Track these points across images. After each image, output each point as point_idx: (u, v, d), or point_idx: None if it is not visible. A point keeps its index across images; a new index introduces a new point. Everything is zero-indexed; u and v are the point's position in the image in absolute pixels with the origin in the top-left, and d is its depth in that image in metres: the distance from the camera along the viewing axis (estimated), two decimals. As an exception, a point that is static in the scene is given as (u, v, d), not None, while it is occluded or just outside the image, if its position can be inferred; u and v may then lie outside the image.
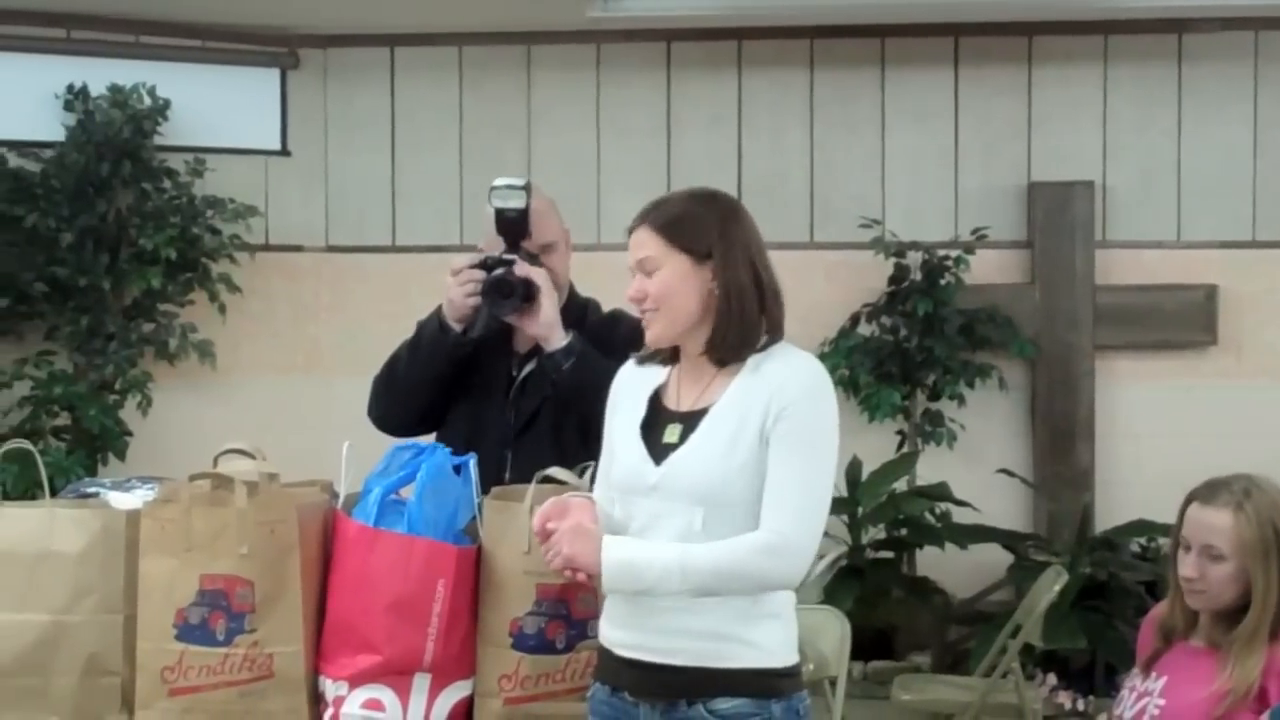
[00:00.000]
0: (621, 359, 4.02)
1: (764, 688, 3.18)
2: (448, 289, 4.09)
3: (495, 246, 4.10)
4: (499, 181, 4.06)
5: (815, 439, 3.18)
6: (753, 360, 3.24)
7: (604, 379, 3.94)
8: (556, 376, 4.02)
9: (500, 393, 4.17)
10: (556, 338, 4.03)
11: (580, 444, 4.02)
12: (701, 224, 3.26)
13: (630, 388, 3.43)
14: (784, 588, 3.19)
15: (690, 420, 3.27)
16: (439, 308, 4.14)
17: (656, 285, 3.28)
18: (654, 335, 3.34)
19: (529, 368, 4.16)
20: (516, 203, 4.03)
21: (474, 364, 4.17)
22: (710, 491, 3.17)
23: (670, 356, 3.39)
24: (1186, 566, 3.70)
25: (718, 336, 3.26)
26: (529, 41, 8.54)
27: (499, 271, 4.02)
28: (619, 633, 3.30)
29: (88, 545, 3.53)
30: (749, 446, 3.16)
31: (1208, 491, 3.72)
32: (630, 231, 3.35)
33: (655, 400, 3.37)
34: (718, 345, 3.27)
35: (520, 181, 4.05)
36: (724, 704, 3.18)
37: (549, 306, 4.02)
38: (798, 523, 3.14)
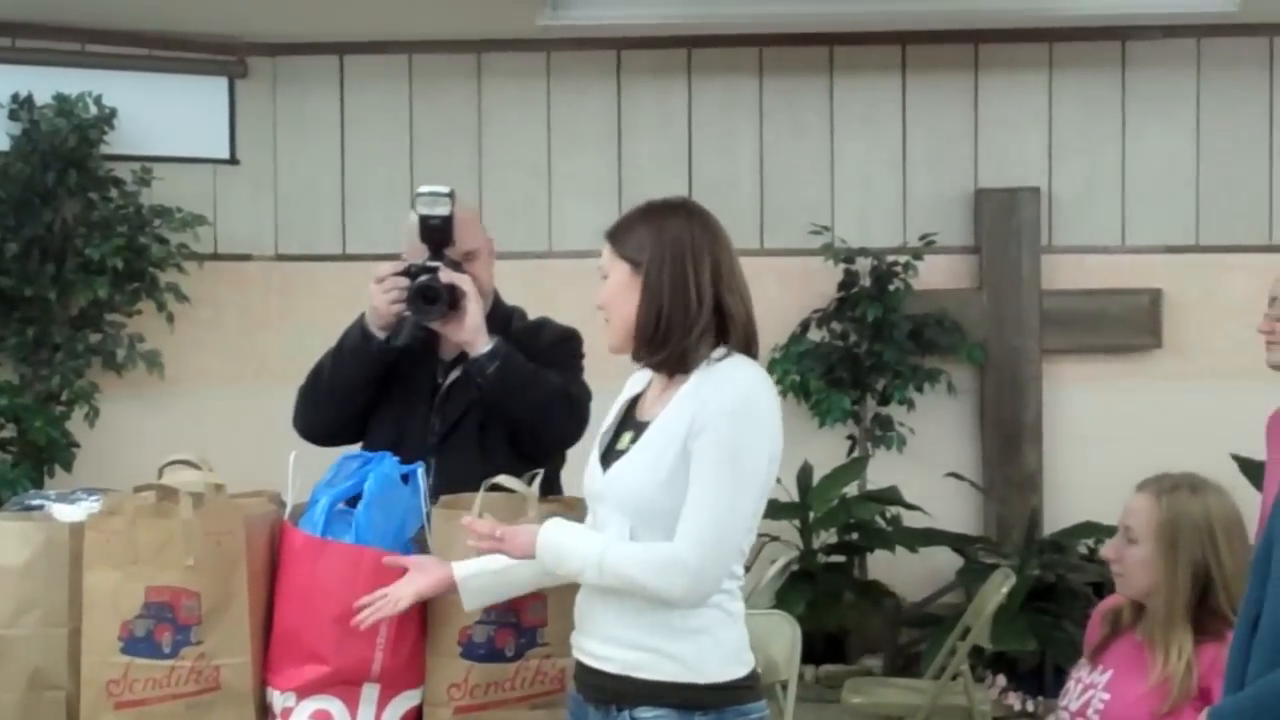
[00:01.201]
0: (547, 364, 4.05)
1: (687, 700, 3.18)
2: (371, 296, 4.09)
3: (418, 254, 4.11)
4: (423, 189, 4.07)
5: (733, 457, 3.14)
6: (699, 372, 3.23)
7: (529, 382, 3.97)
8: (482, 380, 4.03)
9: (424, 400, 4.18)
10: (481, 343, 4.04)
11: (508, 449, 4.04)
12: (638, 234, 3.27)
13: (622, 396, 3.44)
14: (683, 606, 3.16)
15: (639, 430, 3.28)
16: (362, 316, 4.14)
17: (604, 293, 3.31)
18: (607, 343, 3.35)
19: (454, 375, 4.17)
20: (441, 210, 4.04)
21: (398, 372, 4.17)
22: (637, 504, 3.18)
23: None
24: (1107, 547, 3.78)
25: (639, 344, 3.27)
26: (479, 50, 8.53)
27: (423, 279, 4.03)
28: (577, 637, 3.34)
29: (31, 558, 3.52)
30: (673, 461, 3.16)
31: (1148, 480, 3.80)
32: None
33: (630, 407, 3.39)
34: (640, 353, 3.28)
35: (445, 190, 4.06)
36: (646, 713, 3.19)
37: (474, 312, 4.04)
38: (704, 545, 3.12)
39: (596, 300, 3.33)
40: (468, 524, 3.35)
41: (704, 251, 3.25)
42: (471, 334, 4.04)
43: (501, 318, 4.23)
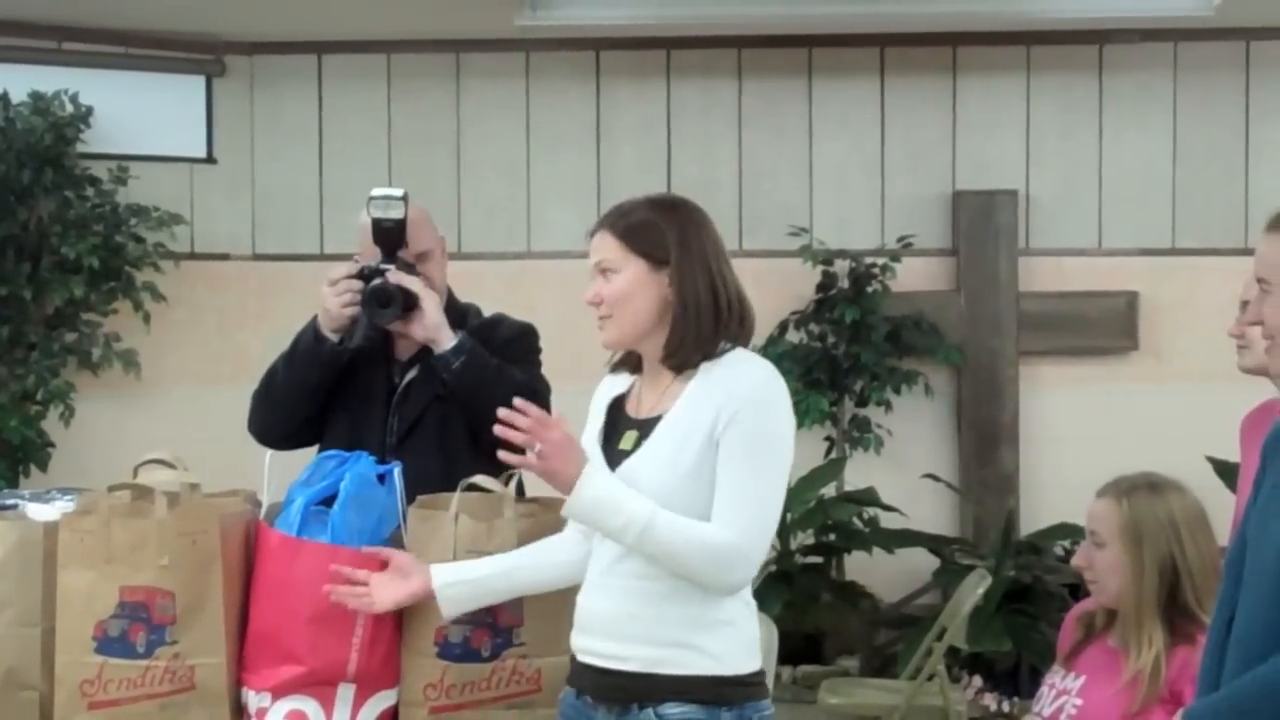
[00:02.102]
0: (509, 356, 4.04)
1: (714, 696, 3.18)
2: (324, 299, 4.09)
3: (371, 256, 4.11)
4: (377, 192, 4.07)
5: (766, 446, 3.18)
6: (706, 366, 3.24)
7: (495, 378, 3.97)
8: (448, 376, 4.03)
9: (380, 401, 4.17)
10: (445, 338, 4.04)
11: (469, 447, 4.04)
12: (661, 230, 3.26)
13: (599, 398, 3.44)
14: (721, 593, 3.18)
15: (645, 427, 3.27)
16: (315, 318, 4.14)
17: (612, 289, 3.28)
18: (607, 339, 3.34)
19: (411, 374, 4.17)
20: (395, 213, 4.05)
21: (353, 373, 4.17)
22: (659, 498, 3.16)
23: (637, 365, 3.39)
24: (1077, 555, 3.81)
25: (674, 342, 3.25)
26: (458, 50, 8.53)
27: (376, 281, 4.03)
28: (582, 639, 3.31)
29: (4, 558, 3.51)
30: (697, 452, 3.17)
31: (1107, 485, 3.82)
32: (591, 235, 3.35)
33: (617, 408, 3.38)
34: (674, 352, 3.26)
35: (398, 192, 4.07)
36: (673, 709, 3.18)
37: (432, 309, 4.04)
38: (752, 534, 3.16)
39: (592, 296, 3.31)
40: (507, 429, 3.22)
41: (721, 247, 3.30)
42: (434, 331, 4.04)
43: (456, 315, 4.23)
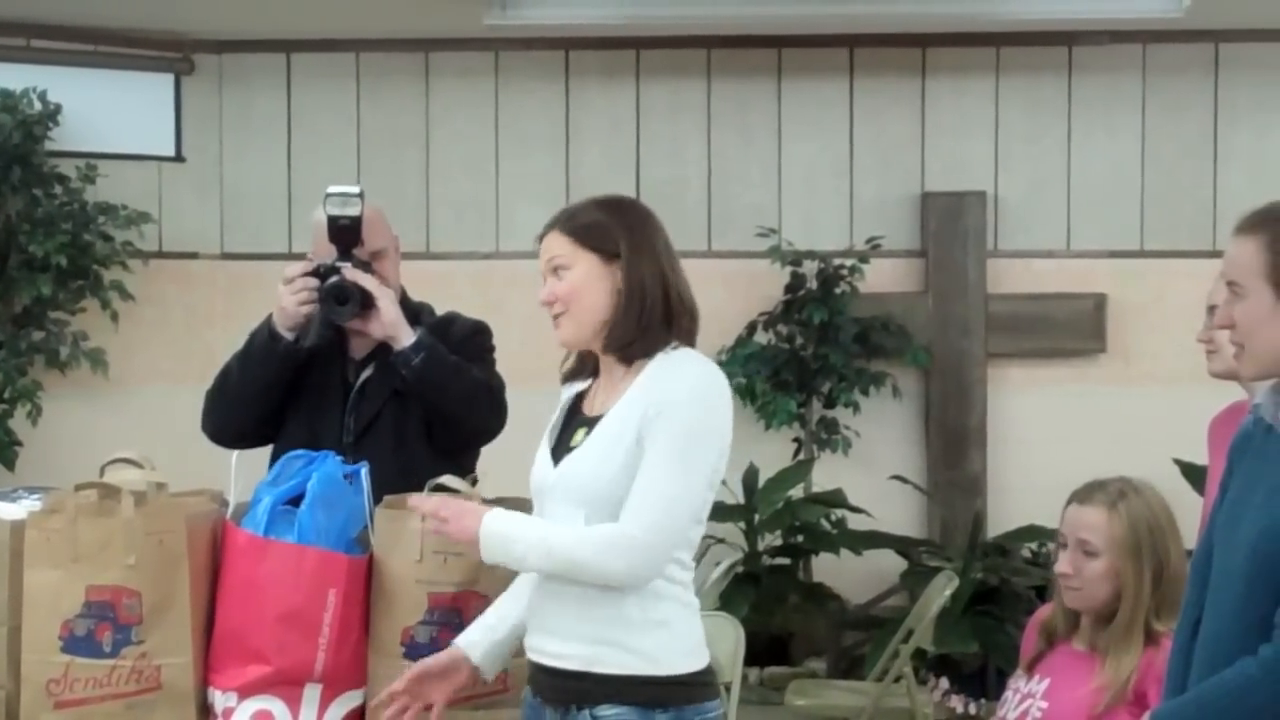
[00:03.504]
0: (464, 354, 4.04)
1: (648, 697, 3.18)
2: (280, 297, 4.09)
3: (326, 254, 4.11)
4: (334, 189, 4.07)
5: (685, 444, 3.17)
6: (651, 366, 3.25)
7: (454, 374, 3.98)
8: (407, 372, 4.03)
9: (336, 400, 4.17)
10: (404, 335, 4.04)
11: (425, 446, 4.04)
12: (610, 226, 3.29)
13: (564, 394, 3.45)
14: (625, 585, 3.17)
15: (593, 424, 3.29)
16: (269, 316, 4.14)
17: (565, 286, 3.29)
18: (563, 337, 3.36)
19: (367, 373, 4.17)
20: (352, 210, 4.05)
21: (308, 373, 4.16)
22: (591, 494, 3.19)
23: (595, 369, 3.40)
24: (1062, 563, 3.80)
25: (620, 332, 3.27)
26: (427, 49, 8.52)
27: (334, 279, 4.03)
28: (530, 637, 3.32)
29: (-30, 556, 3.50)
30: (627, 449, 3.18)
31: (1086, 491, 3.83)
32: (540, 238, 3.37)
33: (575, 407, 3.40)
34: (620, 341, 3.27)
35: (355, 190, 4.07)
36: (608, 710, 3.18)
37: (389, 307, 4.04)
38: (649, 524, 3.14)
39: (546, 295, 3.32)
40: (414, 504, 3.37)
41: (670, 246, 3.32)
42: (392, 328, 4.04)
43: (410, 314, 4.23)
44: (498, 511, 3.26)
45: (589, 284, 3.28)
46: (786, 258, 8.22)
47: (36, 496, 3.71)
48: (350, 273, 4.03)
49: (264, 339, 4.13)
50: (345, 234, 4.06)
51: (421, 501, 3.35)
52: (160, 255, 8.33)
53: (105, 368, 8.01)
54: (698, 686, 3.25)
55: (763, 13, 7.91)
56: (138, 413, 8.08)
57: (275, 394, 4.15)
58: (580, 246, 3.29)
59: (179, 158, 8.50)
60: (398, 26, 8.27)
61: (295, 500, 3.60)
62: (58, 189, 7.99)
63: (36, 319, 7.96)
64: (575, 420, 3.36)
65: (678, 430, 3.16)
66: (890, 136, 8.51)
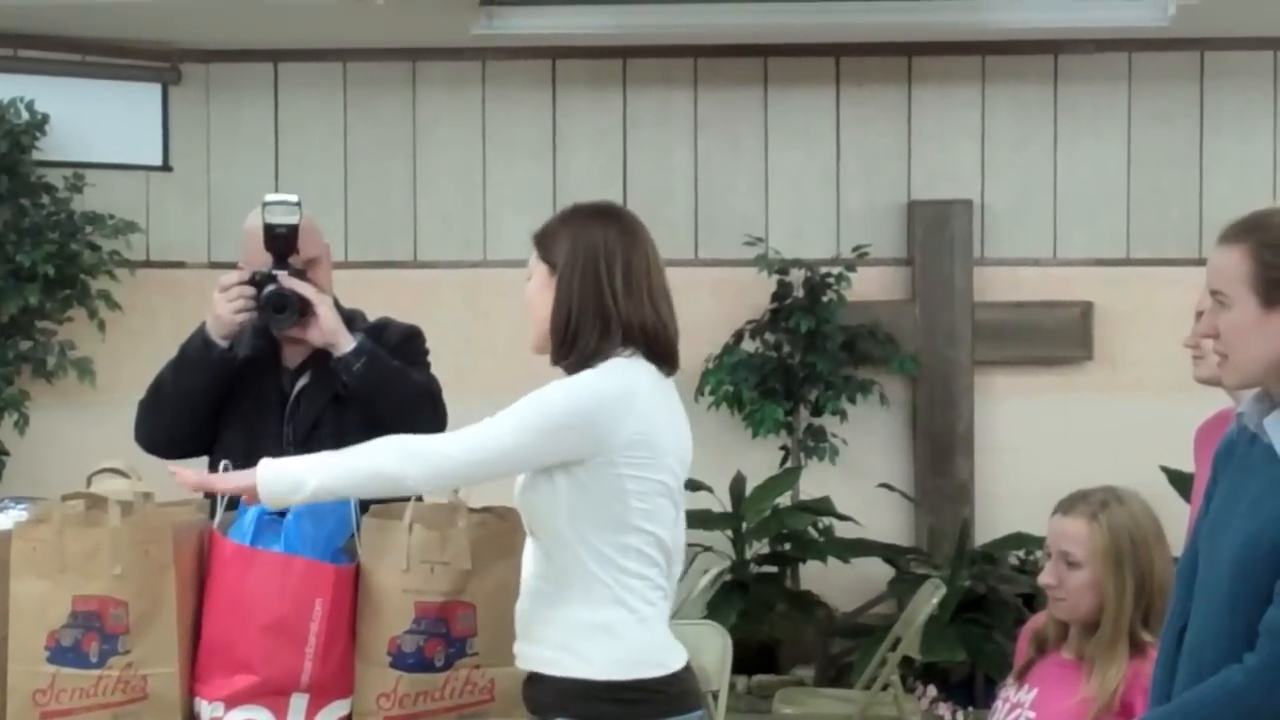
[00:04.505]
0: (401, 358, 4.07)
1: (588, 710, 3.22)
2: (215, 305, 4.08)
3: (259, 261, 4.09)
4: (271, 198, 4.06)
5: (527, 402, 3.24)
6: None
7: (395, 379, 4.00)
8: (348, 378, 4.02)
9: (274, 409, 4.15)
10: (344, 341, 4.03)
11: None
12: (557, 236, 3.33)
13: None
14: (411, 490, 3.30)
15: None
16: (203, 325, 4.12)
17: (527, 292, 3.38)
18: (530, 341, 3.41)
19: (303, 381, 4.15)
20: (291, 219, 4.03)
21: (243, 382, 4.15)
22: (520, 496, 3.32)
23: None
24: (1045, 574, 3.81)
25: (554, 346, 3.33)
26: (414, 58, 8.52)
27: (272, 288, 4.02)
28: (515, 645, 3.38)
29: (-43, 567, 3.50)
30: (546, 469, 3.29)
31: (1069, 502, 3.83)
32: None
33: None
34: (554, 355, 3.34)
35: (294, 198, 4.05)
36: None
37: (328, 314, 4.03)
38: (451, 440, 3.26)
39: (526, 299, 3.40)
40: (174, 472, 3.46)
41: (616, 256, 3.29)
42: (332, 335, 4.03)
43: (345, 321, 4.24)
44: (267, 459, 3.33)
45: (538, 294, 3.35)
46: (773, 266, 8.23)
47: (23, 507, 3.71)
48: (287, 280, 4.02)
49: (198, 347, 4.11)
50: (281, 242, 4.05)
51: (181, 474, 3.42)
52: (147, 265, 8.33)
53: (93, 377, 8.00)
54: (636, 703, 3.25)
55: (749, 22, 7.92)
56: (125, 422, 7.90)
57: (209, 402, 4.12)
58: (538, 256, 3.36)
59: (166, 167, 8.50)
60: (385, 36, 8.27)
61: (281, 510, 3.60)
62: (45, 198, 7.99)
63: (24, 328, 7.96)
64: None
65: (530, 395, 3.25)
66: (877, 145, 8.53)
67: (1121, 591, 3.69)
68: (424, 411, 4.05)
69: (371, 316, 4.28)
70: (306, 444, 4.06)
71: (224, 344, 4.09)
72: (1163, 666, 3.08)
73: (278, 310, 4.01)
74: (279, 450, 3.97)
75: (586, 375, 3.26)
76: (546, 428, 3.22)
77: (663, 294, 3.33)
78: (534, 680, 3.30)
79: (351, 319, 4.25)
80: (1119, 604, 3.69)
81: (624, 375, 3.27)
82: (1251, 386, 3.02)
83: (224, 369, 4.10)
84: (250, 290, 4.03)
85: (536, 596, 3.29)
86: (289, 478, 3.26)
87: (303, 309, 4.01)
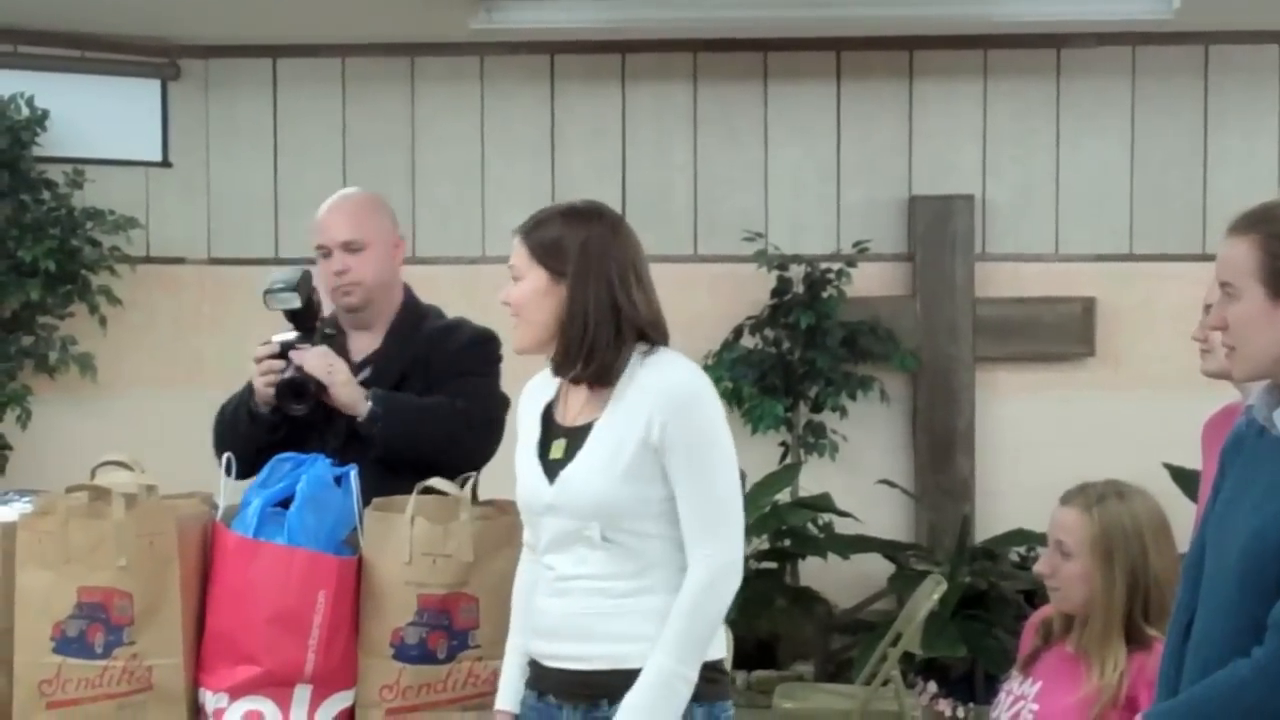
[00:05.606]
0: (457, 374, 4.01)
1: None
2: (253, 376, 4.09)
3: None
4: (270, 284, 4.08)
5: (706, 447, 3.21)
6: (629, 371, 3.26)
7: (420, 428, 3.96)
8: (371, 443, 3.99)
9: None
10: (360, 408, 4.01)
11: None
12: (563, 244, 3.28)
13: (530, 404, 3.43)
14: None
15: (574, 435, 3.29)
16: (249, 388, 4.11)
17: (516, 294, 3.32)
18: (515, 342, 3.38)
19: (364, 375, 4.14)
20: (292, 304, 4.07)
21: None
22: (602, 504, 3.20)
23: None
24: (1041, 563, 3.82)
25: (560, 354, 3.30)
26: (413, 53, 8.52)
27: (287, 375, 4.01)
28: (543, 644, 3.31)
29: (-38, 558, 3.50)
30: (632, 455, 3.19)
31: (1071, 493, 3.85)
32: (513, 237, 3.38)
33: (548, 415, 3.39)
34: (560, 364, 3.31)
35: (293, 278, 4.07)
36: None
37: (341, 390, 4.01)
38: (718, 536, 3.20)
39: (503, 297, 3.35)
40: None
41: (627, 264, 3.29)
42: (348, 409, 4.02)
43: (414, 316, 4.23)
44: (640, 691, 3.20)
45: (534, 299, 3.30)
46: (773, 262, 8.22)
47: (27, 499, 3.72)
48: (303, 355, 4.02)
49: (245, 419, 4.11)
50: (296, 318, 4.10)
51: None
52: (147, 260, 8.34)
53: (94, 372, 8.01)
54: (721, 682, 3.29)
55: (749, 16, 7.90)
56: (126, 416, 8.08)
57: (271, 438, 4.09)
58: (533, 259, 3.30)
59: (166, 163, 8.50)
60: (383, 31, 8.27)
61: (285, 502, 3.61)
62: (45, 194, 8.00)
63: (25, 323, 7.97)
64: (550, 431, 3.36)
65: (695, 436, 3.20)
66: (877, 140, 8.51)
67: (1110, 585, 3.69)
68: (462, 443, 3.99)
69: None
70: (353, 437, 4.04)
71: (265, 410, 4.08)
72: (1169, 660, 3.08)
73: (297, 397, 4.01)
74: (323, 441, 3.96)
75: (698, 387, 3.27)
76: (732, 447, 3.27)
77: (653, 289, 3.36)
78: (606, 676, 3.22)
79: (425, 316, 4.26)
80: (1108, 597, 3.69)
81: (702, 372, 3.33)
82: (1260, 379, 3.01)
83: (274, 429, 4.09)
84: (279, 364, 4.03)
85: (602, 595, 3.22)
86: (677, 696, 3.20)
87: (320, 389, 4.01)
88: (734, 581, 3.20)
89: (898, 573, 7.98)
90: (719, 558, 3.18)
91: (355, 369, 4.16)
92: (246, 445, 4.03)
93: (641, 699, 3.15)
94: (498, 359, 4.23)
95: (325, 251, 4.22)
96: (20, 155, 7.88)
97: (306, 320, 4.09)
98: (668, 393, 3.21)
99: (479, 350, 4.22)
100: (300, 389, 4.00)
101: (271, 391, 4.04)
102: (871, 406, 8.36)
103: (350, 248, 4.18)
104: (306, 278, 4.09)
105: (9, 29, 8.08)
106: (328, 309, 4.26)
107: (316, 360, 4.02)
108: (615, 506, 3.20)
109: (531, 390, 3.44)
